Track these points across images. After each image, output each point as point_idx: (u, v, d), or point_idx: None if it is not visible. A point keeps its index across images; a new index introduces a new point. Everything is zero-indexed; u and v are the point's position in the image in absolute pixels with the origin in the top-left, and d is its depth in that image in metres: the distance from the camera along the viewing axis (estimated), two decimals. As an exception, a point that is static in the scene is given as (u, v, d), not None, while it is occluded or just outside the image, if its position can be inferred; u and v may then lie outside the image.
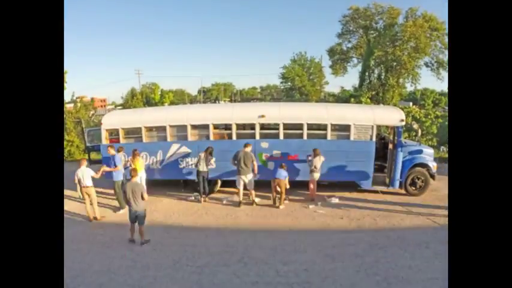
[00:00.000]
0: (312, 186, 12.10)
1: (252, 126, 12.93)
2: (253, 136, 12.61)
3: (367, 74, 32.35)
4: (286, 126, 12.57)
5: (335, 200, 12.08)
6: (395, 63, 30.48)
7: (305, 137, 12.33)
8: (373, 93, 28.92)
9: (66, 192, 11.59)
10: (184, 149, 12.83)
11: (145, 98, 49.33)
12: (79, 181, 10.49)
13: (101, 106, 72.02)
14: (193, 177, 12.80)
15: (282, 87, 60.72)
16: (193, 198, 12.55)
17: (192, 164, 12.75)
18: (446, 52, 28.84)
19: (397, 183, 12.40)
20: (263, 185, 12.57)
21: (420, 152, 12.68)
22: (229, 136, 12.79)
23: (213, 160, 12.23)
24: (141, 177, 11.94)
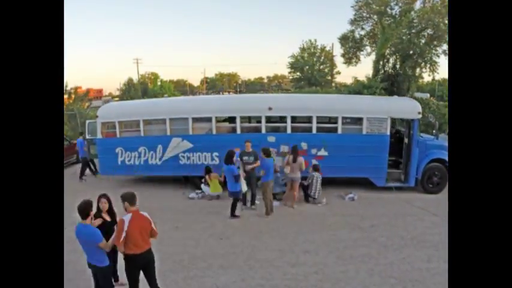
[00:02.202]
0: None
1: (258, 119, 12.91)
2: (259, 130, 12.59)
3: (381, 63, 32.09)
4: (295, 119, 12.55)
5: (353, 197, 12.06)
6: (411, 52, 30.22)
7: (314, 130, 12.29)
8: (388, 83, 28.70)
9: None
10: (186, 144, 12.84)
11: (143, 88, 49.31)
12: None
13: (97, 97, 72.15)
14: (195, 173, 12.85)
15: (291, 78, 60.62)
16: (194, 195, 12.57)
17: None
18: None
19: (412, 180, 12.36)
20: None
21: (438, 146, 12.61)
22: (234, 130, 12.78)
23: None
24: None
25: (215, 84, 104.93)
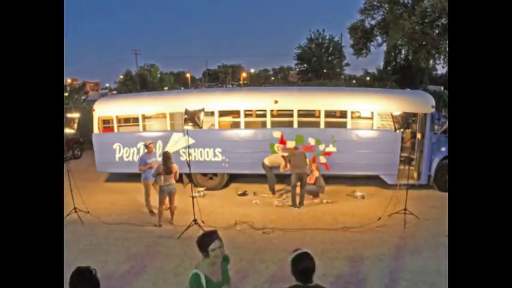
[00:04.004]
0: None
1: (263, 113, 12.90)
2: (264, 125, 12.59)
3: (392, 54, 32.03)
4: (302, 114, 12.52)
5: (363, 195, 12.05)
6: (424, 43, 30.12)
7: (322, 125, 12.27)
8: (400, 76, 28.66)
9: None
10: (187, 139, 12.83)
11: (142, 81, 49.27)
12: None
13: (94, 90, 72.39)
14: (196, 171, 12.84)
15: (297, 70, 60.58)
16: (196, 194, 12.57)
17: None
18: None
19: (425, 178, 12.32)
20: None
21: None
22: (237, 124, 12.78)
23: None
24: None
25: (218, 77, 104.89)
